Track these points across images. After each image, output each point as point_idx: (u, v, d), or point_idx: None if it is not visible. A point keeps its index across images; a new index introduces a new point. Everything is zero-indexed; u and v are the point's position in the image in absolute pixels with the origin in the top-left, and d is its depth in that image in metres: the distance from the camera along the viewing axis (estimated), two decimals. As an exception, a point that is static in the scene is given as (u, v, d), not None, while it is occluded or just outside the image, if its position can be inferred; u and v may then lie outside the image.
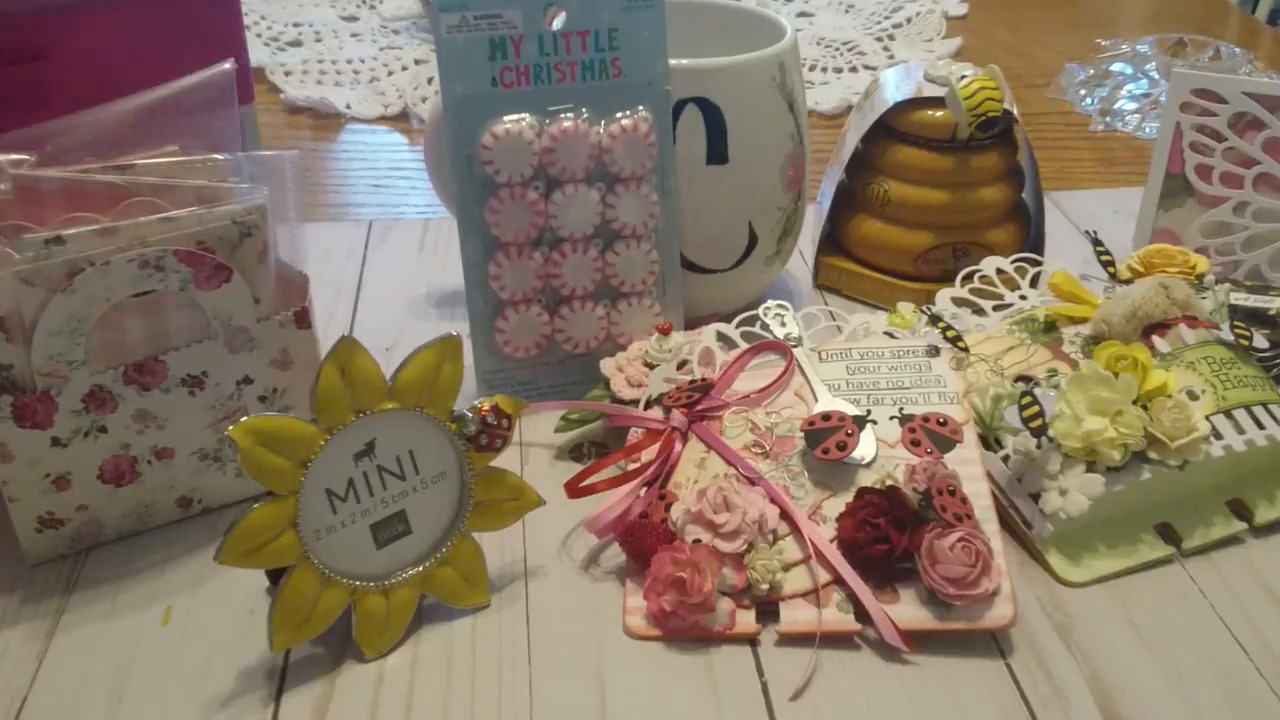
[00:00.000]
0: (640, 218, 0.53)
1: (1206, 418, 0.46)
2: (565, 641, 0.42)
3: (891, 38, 1.08)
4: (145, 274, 0.42)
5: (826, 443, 0.45)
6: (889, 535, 0.42)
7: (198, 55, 0.49)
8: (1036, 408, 0.44)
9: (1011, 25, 1.13)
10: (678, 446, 0.47)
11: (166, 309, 0.43)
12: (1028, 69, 1.01)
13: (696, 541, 0.43)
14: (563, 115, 0.50)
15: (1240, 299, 0.54)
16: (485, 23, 0.48)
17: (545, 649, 0.42)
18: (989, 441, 0.48)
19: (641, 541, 0.44)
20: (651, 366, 0.52)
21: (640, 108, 0.51)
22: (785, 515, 0.44)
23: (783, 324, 0.52)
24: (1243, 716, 0.40)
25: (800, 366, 0.50)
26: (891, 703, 0.40)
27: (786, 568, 0.43)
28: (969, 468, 0.45)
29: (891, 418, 0.47)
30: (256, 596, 0.44)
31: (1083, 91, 0.94)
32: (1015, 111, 0.60)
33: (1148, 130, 0.88)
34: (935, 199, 0.61)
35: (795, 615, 0.42)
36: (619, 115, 0.51)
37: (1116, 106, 0.92)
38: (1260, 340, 0.51)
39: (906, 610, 0.42)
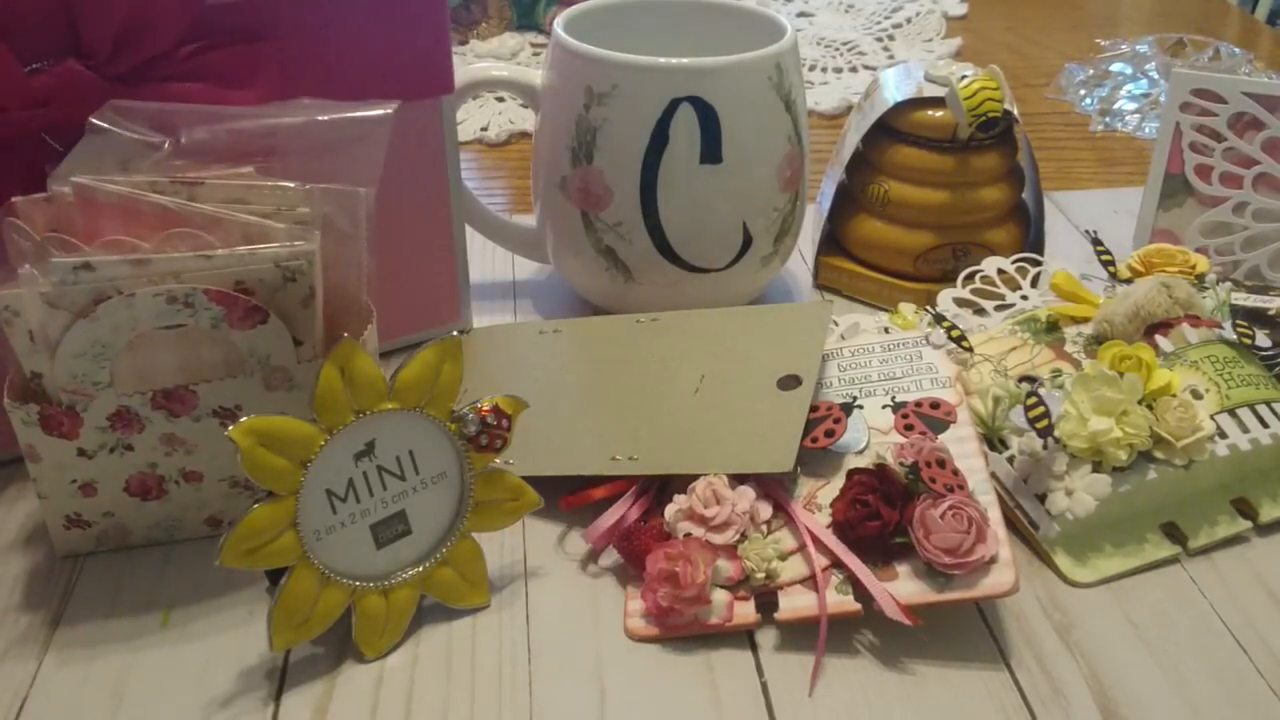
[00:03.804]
0: None
1: (1211, 417, 0.46)
2: (565, 642, 0.42)
3: (891, 38, 1.08)
4: (173, 309, 0.41)
5: (814, 432, 0.45)
6: (879, 511, 0.42)
7: (406, 48, 0.50)
8: (1042, 408, 0.44)
9: (1011, 25, 1.13)
10: None
11: (199, 342, 0.42)
12: (1028, 69, 1.01)
13: (688, 535, 0.43)
14: None
15: (1240, 299, 0.54)
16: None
17: (545, 649, 0.42)
18: (993, 443, 0.48)
19: (638, 545, 0.44)
20: None
21: None
22: (779, 506, 0.44)
23: None
24: (1243, 716, 0.40)
25: None
26: (891, 703, 0.40)
27: (783, 556, 0.43)
28: (964, 445, 0.45)
29: (884, 406, 0.48)
30: (256, 596, 0.44)
31: (1082, 91, 0.94)
32: (1015, 111, 0.60)
33: (1147, 130, 0.88)
34: (935, 199, 0.61)
35: (794, 602, 0.42)
36: None
37: (1116, 106, 0.92)
38: (1262, 339, 0.51)
39: (905, 585, 0.42)
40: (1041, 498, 0.46)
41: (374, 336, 0.46)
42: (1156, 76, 0.94)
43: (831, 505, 0.44)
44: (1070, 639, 0.43)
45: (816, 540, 0.43)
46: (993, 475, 0.48)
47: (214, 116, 0.45)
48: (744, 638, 0.42)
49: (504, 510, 0.44)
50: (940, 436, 0.45)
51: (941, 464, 0.43)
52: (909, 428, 0.46)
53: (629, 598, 0.44)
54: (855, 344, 0.51)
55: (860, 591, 0.42)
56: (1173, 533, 0.47)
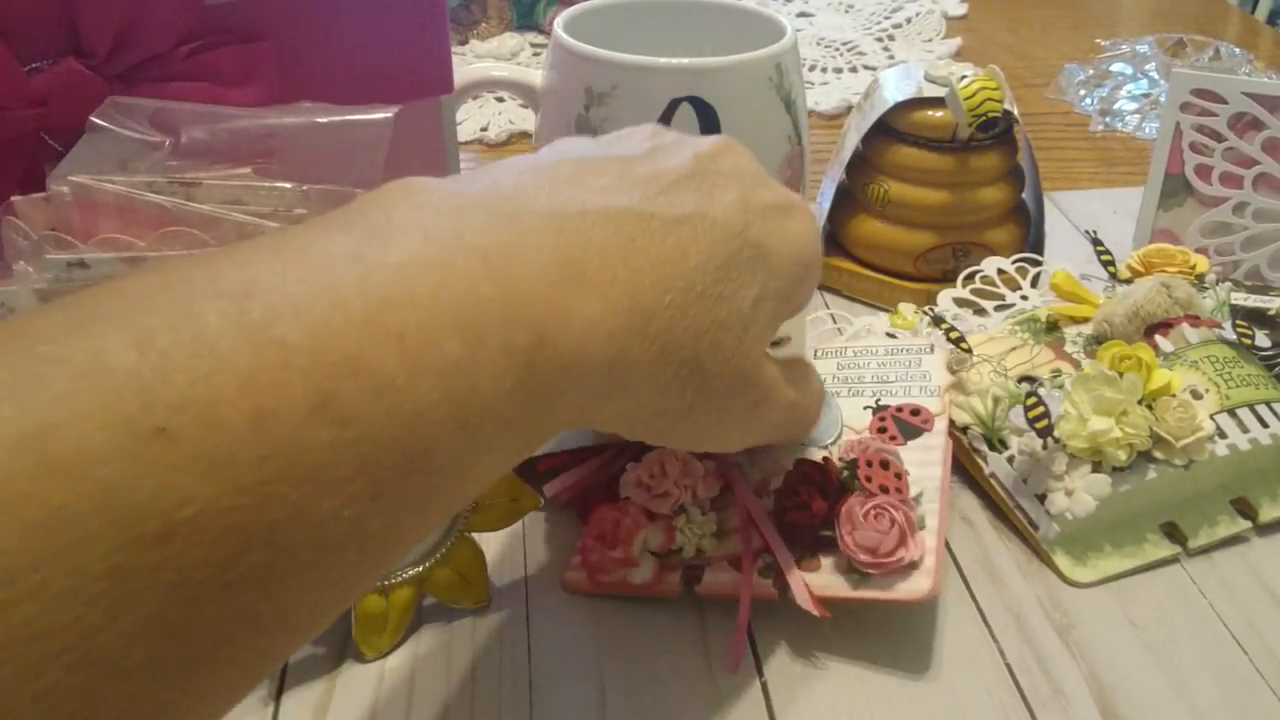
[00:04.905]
0: None
1: (1211, 417, 0.46)
2: (565, 641, 0.42)
3: (891, 38, 1.08)
4: None
5: None
6: (810, 502, 0.42)
7: (406, 48, 0.51)
8: (1042, 408, 0.44)
9: (1011, 25, 1.13)
10: None
11: None
12: (1028, 69, 1.01)
13: (626, 499, 0.44)
14: None
15: (1240, 299, 0.54)
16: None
17: (545, 649, 0.42)
18: (992, 442, 0.48)
19: (589, 502, 0.45)
20: None
21: None
22: (728, 486, 0.45)
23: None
24: (1243, 717, 0.40)
25: None
26: (891, 703, 0.40)
27: (719, 535, 0.44)
28: (929, 453, 0.45)
29: (865, 407, 0.48)
30: (256, 596, 0.44)
31: (1082, 92, 0.94)
32: (1015, 112, 0.60)
33: (1147, 130, 0.88)
34: (935, 199, 0.61)
35: (717, 577, 0.43)
36: None
37: (1116, 107, 0.92)
38: (1262, 339, 0.51)
39: (824, 578, 0.42)
40: (1041, 498, 0.46)
41: None
42: (1156, 76, 0.94)
43: (773, 492, 0.44)
44: (1070, 639, 0.43)
45: (751, 522, 0.43)
46: (992, 475, 0.48)
47: (214, 116, 0.45)
48: (744, 638, 0.42)
49: (504, 510, 0.44)
50: (909, 442, 0.45)
51: (885, 465, 0.43)
52: (882, 430, 0.46)
53: (574, 552, 0.45)
54: (860, 345, 0.51)
55: (780, 578, 0.42)
56: (1173, 533, 0.47)
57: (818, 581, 0.42)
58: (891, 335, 0.53)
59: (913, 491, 0.43)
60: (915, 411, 0.47)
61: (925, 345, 0.50)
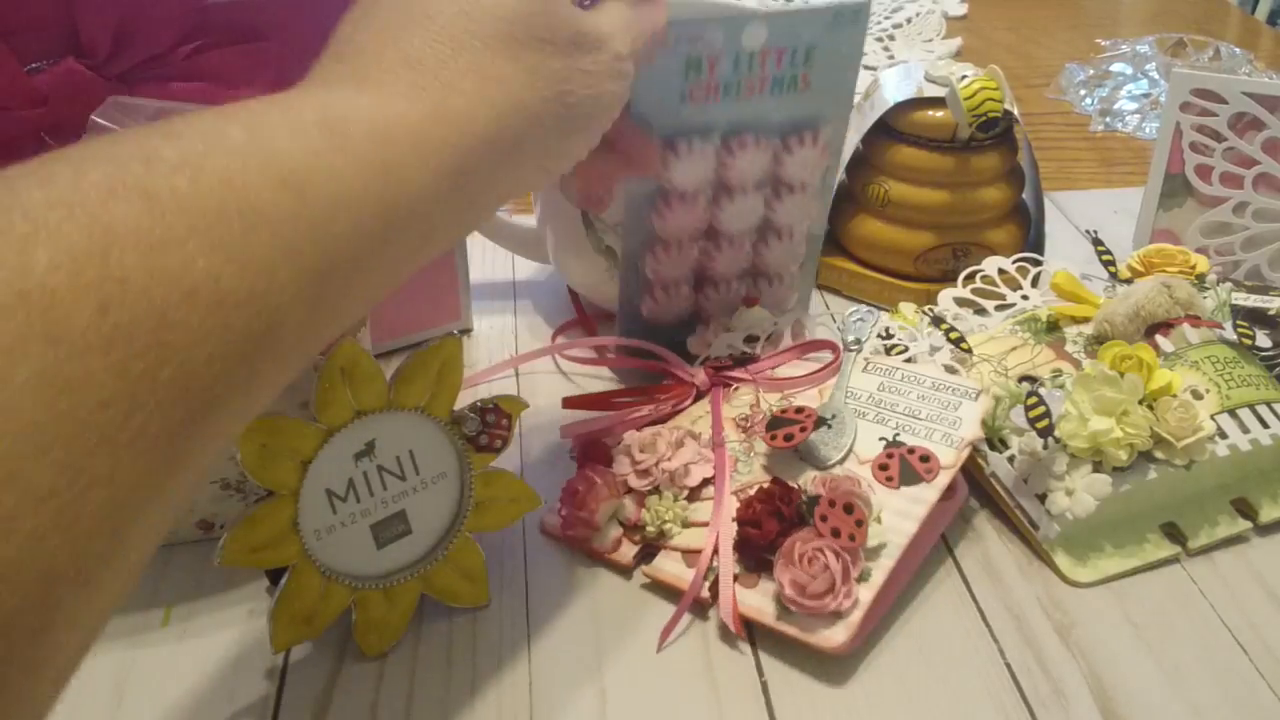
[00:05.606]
0: (798, 219, 0.54)
1: (1211, 417, 0.46)
2: (565, 641, 0.42)
3: (891, 38, 1.08)
4: None
5: (778, 430, 0.46)
6: (761, 521, 0.42)
7: None
8: (1042, 408, 0.44)
9: (1011, 25, 1.13)
10: (689, 400, 0.51)
11: None
12: (1028, 69, 1.01)
13: (608, 467, 0.46)
14: (746, 136, 0.49)
15: (1240, 299, 0.54)
16: (685, 42, 0.46)
17: (545, 649, 0.42)
18: (993, 442, 0.48)
19: (588, 455, 0.47)
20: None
21: (821, 125, 0.51)
22: (715, 480, 0.46)
23: (856, 329, 0.52)
24: (1243, 716, 0.40)
25: (842, 370, 0.50)
26: (891, 703, 0.40)
27: (686, 524, 0.45)
28: (913, 506, 0.44)
29: (880, 438, 0.47)
30: (256, 596, 0.44)
31: (1082, 91, 0.94)
32: (1015, 112, 0.60)
33: (1148, 130, 0.88)
34: (935, 199, 0.61)
35: (665, 565, 0.44)
36: (799, 134, 0.51)
37: (1116, 107, 0.92)
38: (1263, 339, 0.51)
39: (755, 598, 0.42)
40: (1042, 497, 0.46)
41: (366, 339, 0.46)
42: (1156, 76, 0.94)
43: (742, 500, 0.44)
44: (1070, 639, 0.43)
45: (715, 523, 0.44)
46: (992, 475, 0.48)
47: None
48: (744, 638, 0.42)
49: (504, 510, 0.44)
50: (903, 487, 0.44)
51: (849, 509, 0.42)
52: (884, 467, 0.45)
53: (558, 500, 0.46)
54: (911, 370, 0.50)
55: (717, 584, 0.43)
56: (1173, 533, 0.47)
57: (748, 600, 0.42)
58: (951, 369, 0.50)
59: (875, 541, 0.42)
60: (925, 458, 0.45)
61: (972, 390, 0.48)
